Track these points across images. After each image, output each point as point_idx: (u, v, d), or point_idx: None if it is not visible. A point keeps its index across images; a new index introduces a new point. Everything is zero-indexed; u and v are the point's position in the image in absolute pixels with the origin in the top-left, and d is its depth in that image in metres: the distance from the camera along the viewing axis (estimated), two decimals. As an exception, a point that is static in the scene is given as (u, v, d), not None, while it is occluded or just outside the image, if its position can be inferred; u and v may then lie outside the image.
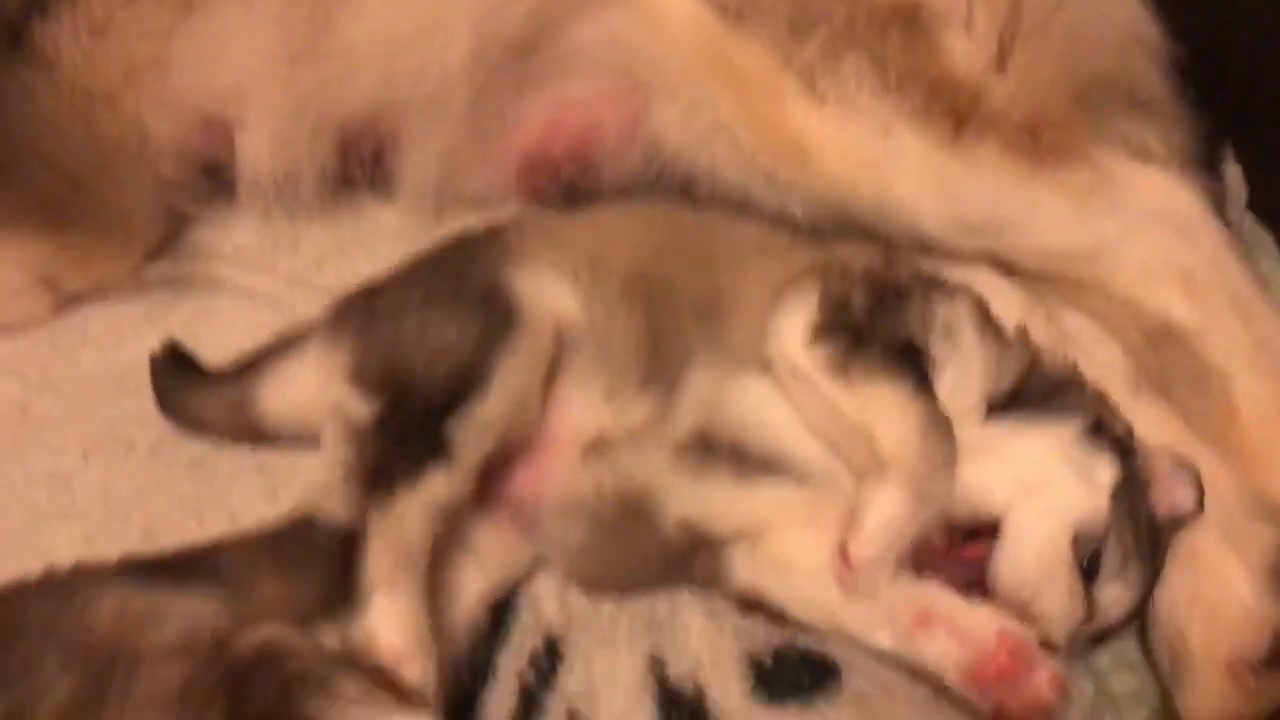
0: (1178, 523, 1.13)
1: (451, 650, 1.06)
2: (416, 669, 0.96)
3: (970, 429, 1.08)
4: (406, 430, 1.04)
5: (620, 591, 1.16)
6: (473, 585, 1.10)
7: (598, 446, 1.10)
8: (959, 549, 1.05)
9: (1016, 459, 1.07)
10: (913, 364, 1.06)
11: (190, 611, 0.96)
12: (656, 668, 1.11)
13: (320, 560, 1.08)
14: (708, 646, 1.12)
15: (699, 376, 1.11)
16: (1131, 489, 1.08)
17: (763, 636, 1.13)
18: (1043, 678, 0.97)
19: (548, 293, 1.13)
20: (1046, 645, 1.00)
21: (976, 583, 1.03)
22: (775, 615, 1.11)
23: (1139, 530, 1.07)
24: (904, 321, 1.09)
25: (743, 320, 1.13)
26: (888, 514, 1.00)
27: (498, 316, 1.09)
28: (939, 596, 1.02)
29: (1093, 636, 1.10)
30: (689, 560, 1.12)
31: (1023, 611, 1.02)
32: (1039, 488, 1.04)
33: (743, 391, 1.10)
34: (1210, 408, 1.26)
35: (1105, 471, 1.07)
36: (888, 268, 1.19)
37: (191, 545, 1.08)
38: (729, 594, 1.13)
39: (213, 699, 0.87)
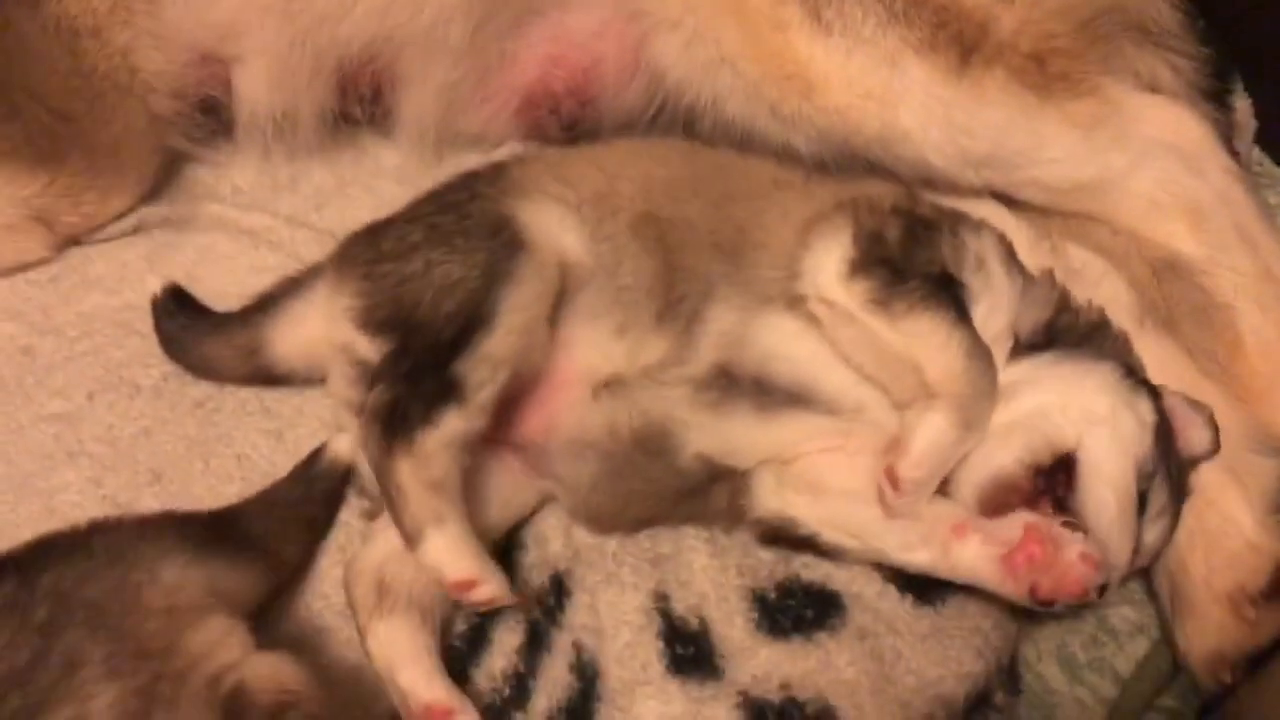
0: (1193, 464, 1.14)
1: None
2: (488, 590, 1.00)
3: (1016, 365, 1.09)
4: (418, 371, 1.04)
5: (629, 529, 1.16)
6: (476, 522, 1.11)
7: (610, 384, 1.10)
8: (1040, 494, 1.05)
9: (1076, 392, 1.07)
10: (951, 295, 1.07)
11: (229, 587, 0.96)
12: (661, 603, 1.12)
13: (333, 506, 1.13)
14: (711, 582, 1.13)
15: (720, 312, 1.11)
16: (1167, 430, 1.09)
17: (766, 572, 1.14)
18: (1074, 552, 0.98)
19: (553, 227, 1.12)
20: (1071, 526, 1.01)
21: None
22: (800, 544, 1.11)
23: (1172, 473, 1.08)
24: (938, 254, 1.10)
25: (767, 256, 1.13)
26: (936, 439, 1.01)
27: (503, 250, 1.09)
28: (954, 509, 1.04)
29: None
30: (705, 492, 1.13)
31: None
32: (1104, 419, 1.05)
33: (768, 327, 1.10)
34: (1215, 341, 1.25)
35: (1148, 412, 1.08)
36: (913, 202, 1.19)
37: (220, 511, 1.10)
38: (750, 524, 1.13)
39: None
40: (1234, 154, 1.36)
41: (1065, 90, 1.25)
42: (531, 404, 1.11)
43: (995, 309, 1.10)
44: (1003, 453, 1.05)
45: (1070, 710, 1.16)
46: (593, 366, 1.10)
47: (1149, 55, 1.35)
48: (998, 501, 1.04)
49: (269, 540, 1.08)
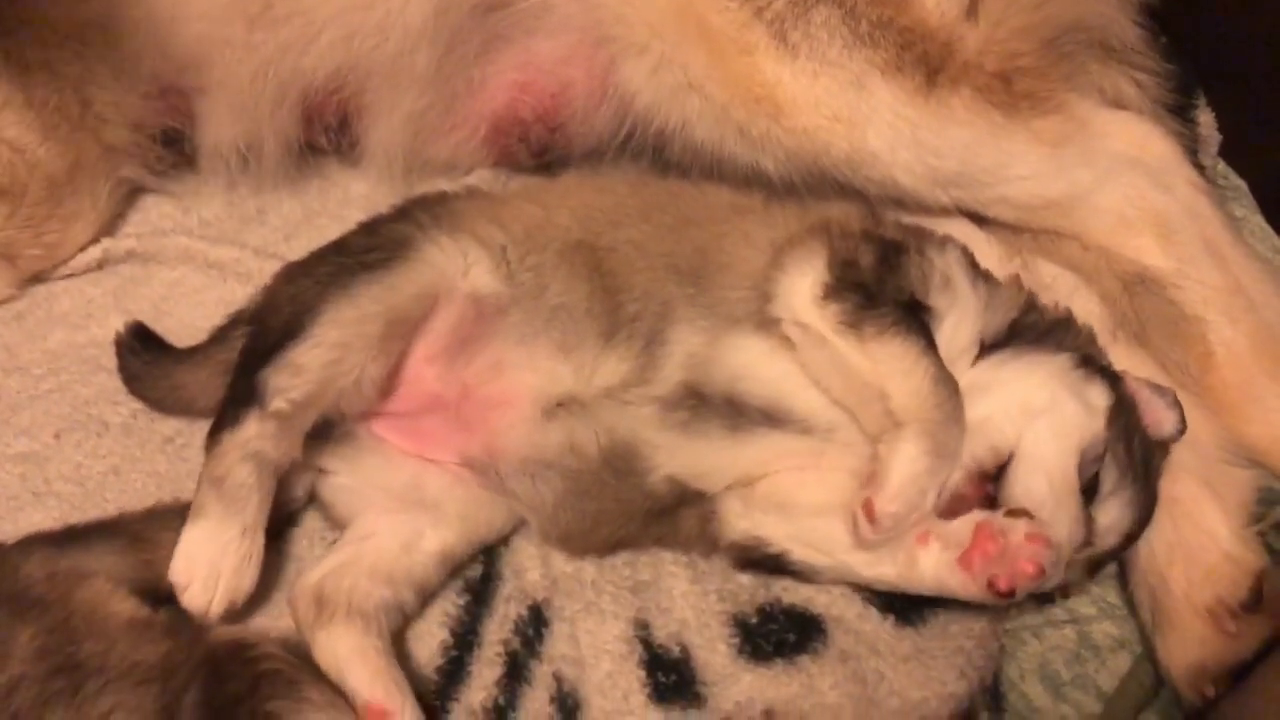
0: (1164, 445, 1.14)
1: (399, 600, 1.08)
2: (195, 595, 1.01)
3: (971, 369, 1.10)
4: (239, 374, 1.09)
5: (601, 550, 1.16)
6: (429, 541, 1.10)
7: (566, 404, 1.10)
8: (986, 495, 1.05)
9: (1020, 388, 1.08)
10: (920, 324, 1.07)
11: (103, 566, 1.04)
12: (642, 631, 1.11)
13: None
14: (692, 608, 1.13)
15: (684, 334, 1.11)
16: (1124, 413, 1.09)
17: (747, 596, 1.13)
18: (1019, 534, 0.99)
19: (457, 262, 1.12)
20: (1015, 513, 1.01)
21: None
22: (772, 566, 1.11)
23: (1133, 453, 1.09)
24: (908, 280, 1.10)
25: (731, 277, 1.13)
26: (910, 469, 1.01)
27: (359, 267, 1.10)
28: (929, 518, 1.04)
29: (1092, 563, 1.11)
30: (674, 515, 1.13)
31: None
32: (1043, 410, 1.06)
33: (737, 348, 1.10)
34: (1187, 354, 1.26)
35: (1100, 397, 1.09)
36: (875, 222, 1.20)
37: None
38: (721, 548, 1.13)
39: (191, 680, 0.92)
40: (1199, 167, 1.38)
41: (1031, 108, 1.26)
42: (467, 423, 1.11)
43: (962, 323, 1.11)
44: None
45: (1054, 727, 1.16)
46: (536, 386, 1.10)
47: (1113, 72, 1.37)
48: (951, 509, 1.04)
49: (154, 547, 1.10)
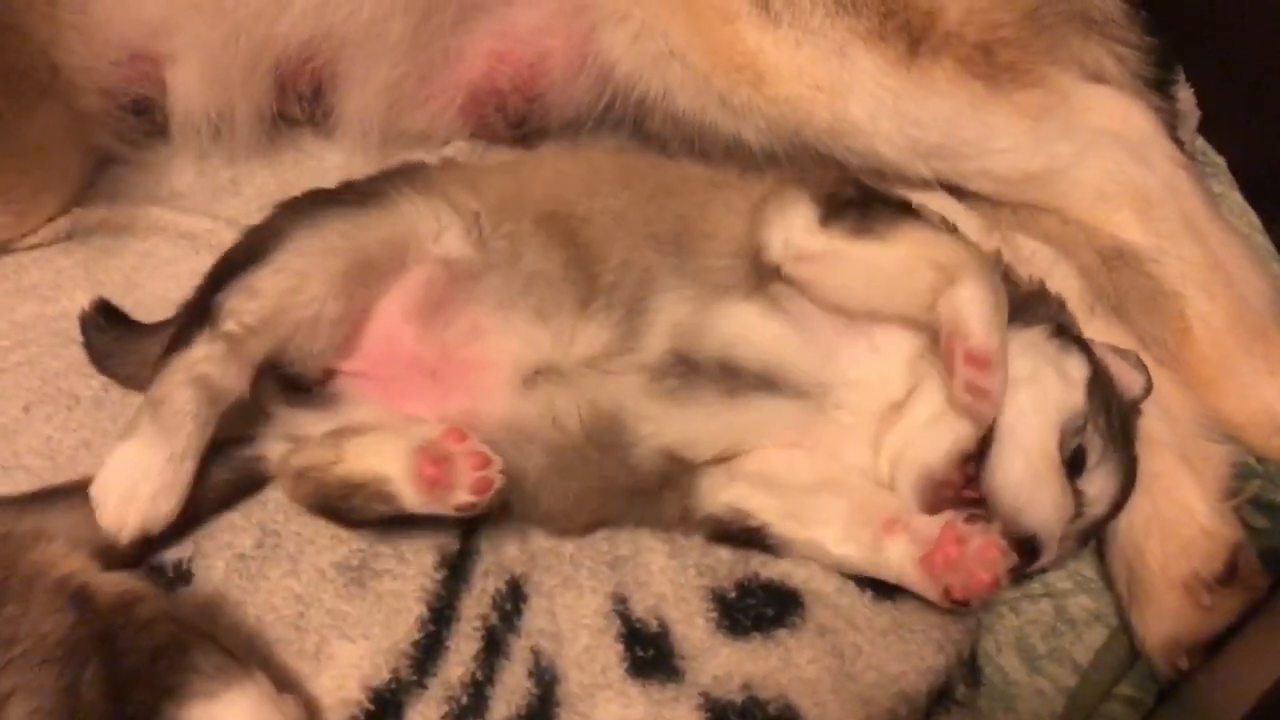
0: (1134, 406, 1.15)
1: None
2: (108, 515, 0.99)
3: None
4: (195, 300, 1.08)
5: (582, 529, 1.15)
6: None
7: (545, 373, 1.09)
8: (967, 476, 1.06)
9: None
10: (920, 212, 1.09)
11: (65, 527, 1.01)
12: (620, 605, 1.11)
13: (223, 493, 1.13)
14: (670, 583, 1.12)
15: (668, 302, 1.10)
16: (1101, 382, 1.09)
17: (725, 571, 1.13)
18: (974, 544, 0.99)
19: (430, 223, 1.11)
20: (975, 518, 1.02)
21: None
22: (746, 539, 1.11)
23: (1113, 421, 1.09)
24: (892, 201, 1.11)
25: (716, 245, 1.13)
26: (982, 303, 1.01)
27: (332, 205, 1.10)
28: (902, 508, 1.05)
29: (1084, 533, 1.11)
30: (657, 497, 1.12)
31: (1012, 520, 1.03)
32: (1025, 381, 1.06)
33: (728, 316, 1.10)
34: (1164, 329, 1.27)
35: (1078, 368, 1.09)
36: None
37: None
38: (697, 520, 1.12)
39: (91, 656, 0.90)
40: (1178, 143, 1.38)
41: (1013, 80, 1.26)
42: (448, 385, 1.10)
43: None
44: (931, 450, 1.06)
45: (1030, 700, 1.16)
46: (515, 352, 1.09)
47: (1094, 45, 1.37)
48: (935, 496, 1.05)
49: None
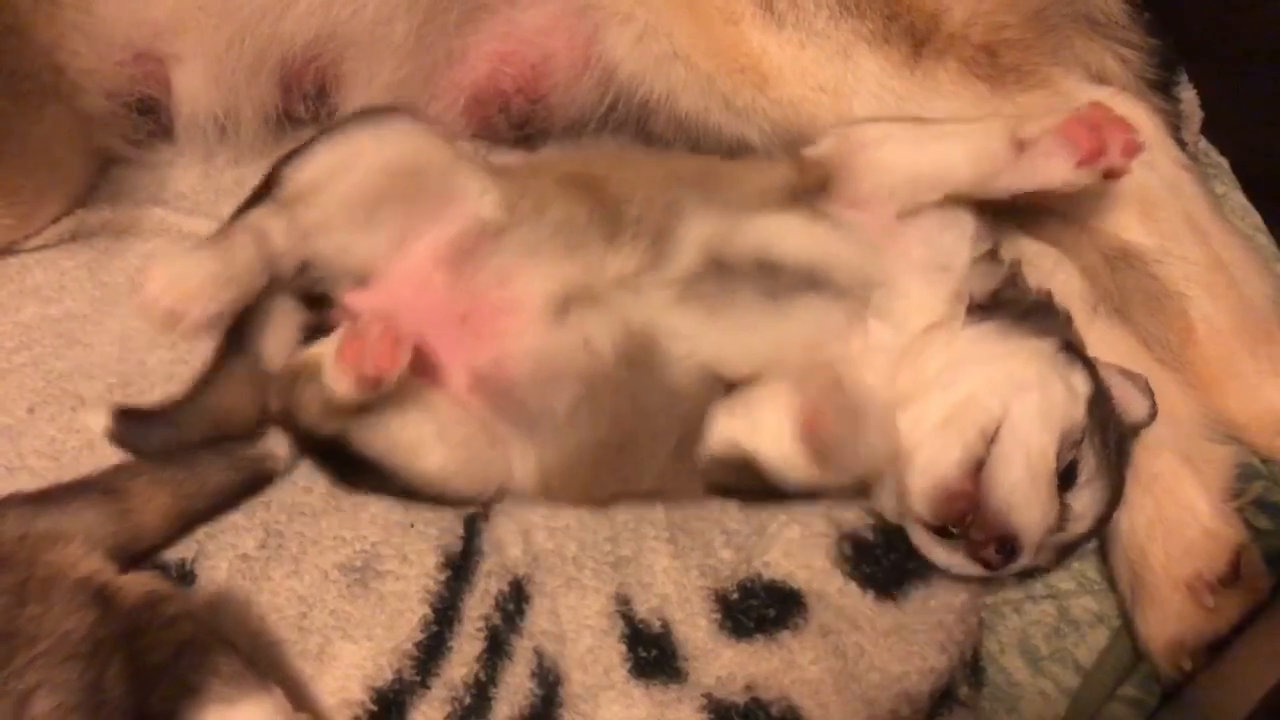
0: (1134, 431, 1.15)
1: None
2: (152, 288, 1.02)
3: (959, 336, 1.10)
4: (265, 175, 1.16)
5: (596, 499, 1.15)
6: (432, 458, 1.09)
7: (579, 298, 1.09)
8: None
9: (1006, 363, 1.08)
10: None
11: (81, 525, 1.03)
12: (623, 606, 1.11)
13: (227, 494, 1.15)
14: (673, 584, 1.12)
15: (695, 223, 1.11)
16: (1102, 402, 1.10)
17: (728, 572, 1.13)
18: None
19: (479, 187, 1.15)
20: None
21: None
22: (742, 474, 1.08)
23: (1108, 442, 1.09)
24: None
25: (747, 187, 1.14)
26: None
27: (415, 122, 1.17)
28: None
29: (1062, 547, 1.11)
30: (688, 434, 1.09)
31: (1000, 517, 1.03)
32: (1032, 386, 1.06)
33: (761, 225, 1.11)
34: (1167, 330, 1.26)
35: (1082, 384, 1.09)
36: None
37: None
38: (703, 471, 1.11)
39: (115, 652, 0.91)
40: (1181, 144, 1.38)
41: (1017, 82, 1.26)
42: (477, 332, 1.10)
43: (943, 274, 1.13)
44: (943, 459, 1.05)
45: (1033, 701, 1.16)
46: (545, 289, 1.10)
47: (1097, 47, 1.37)
48: (948, 508, 1.04)
49: (128, 496, 1.10)
